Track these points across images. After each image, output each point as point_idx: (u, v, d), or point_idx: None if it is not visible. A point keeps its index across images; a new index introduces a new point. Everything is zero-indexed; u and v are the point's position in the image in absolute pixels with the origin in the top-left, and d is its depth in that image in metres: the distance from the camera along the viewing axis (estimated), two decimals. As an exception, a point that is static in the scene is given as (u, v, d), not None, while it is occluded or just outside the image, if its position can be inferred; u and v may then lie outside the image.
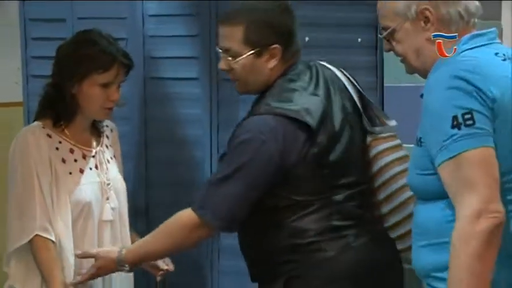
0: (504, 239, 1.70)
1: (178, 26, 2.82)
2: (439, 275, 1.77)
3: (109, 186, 2.43)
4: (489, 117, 1.72)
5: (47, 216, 2.31)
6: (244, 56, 2.09)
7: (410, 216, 2.09)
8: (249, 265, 2.19)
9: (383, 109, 2.59)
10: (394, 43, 1.93)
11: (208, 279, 2.87)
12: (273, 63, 2.10)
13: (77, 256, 2.30)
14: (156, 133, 2.84)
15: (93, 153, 2.42)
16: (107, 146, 2.49)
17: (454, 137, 1.70)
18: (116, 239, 2.46)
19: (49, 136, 2.36)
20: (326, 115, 2.07)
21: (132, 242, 2.43)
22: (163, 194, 2.83)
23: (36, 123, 2.39)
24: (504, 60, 1.80)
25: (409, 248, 2.07)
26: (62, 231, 2.29)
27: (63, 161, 2.36)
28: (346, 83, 2.19)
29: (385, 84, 2.82)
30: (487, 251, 1.66)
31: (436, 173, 1.76)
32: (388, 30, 1.91)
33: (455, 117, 1.70)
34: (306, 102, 2.05)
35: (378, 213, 2.19)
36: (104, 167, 2.44)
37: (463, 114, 1.70)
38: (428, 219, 1.82)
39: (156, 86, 2.87)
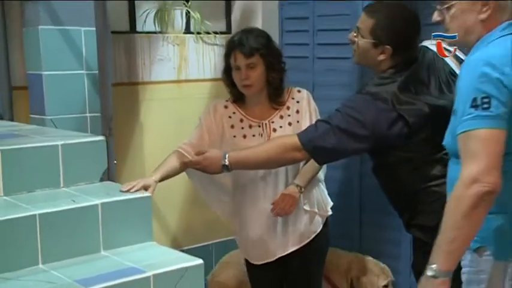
0: None
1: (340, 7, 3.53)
2: None
3: None
4: (506, 103, 1.84)
5: (195, 146, 2.69)
6: (365, 40, 2.41)
7: None
8: (391, 203, 2.53)
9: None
10: (447, 17, 2.02)
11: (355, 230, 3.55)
12: (382, 57, 2.39)
13: (193, 154, 2.60)
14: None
15: (259, 124, 2.76)
16: (281, 117, 2.77)
17: (470, 116, 1.84)
18: (268, 192, 2.75)
19: (225, 107, 2.82)
20: (419, 101, 2.31)
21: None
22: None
23: (225, 98, 2.85)
24: None
25: None
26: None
27: (232, 126, 2.78)
28: (448, 58, 2.39)
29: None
30: (473, 212, 1.82)
31: None
32: (446, 5, 2.01)
33: (475, 99, 1.84)
34: (399, 95, 2.30)
35: None
36: (266, 135, 2.73)
37: (482, 98, 1.83)
38: (456, 176, 1.91)
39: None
